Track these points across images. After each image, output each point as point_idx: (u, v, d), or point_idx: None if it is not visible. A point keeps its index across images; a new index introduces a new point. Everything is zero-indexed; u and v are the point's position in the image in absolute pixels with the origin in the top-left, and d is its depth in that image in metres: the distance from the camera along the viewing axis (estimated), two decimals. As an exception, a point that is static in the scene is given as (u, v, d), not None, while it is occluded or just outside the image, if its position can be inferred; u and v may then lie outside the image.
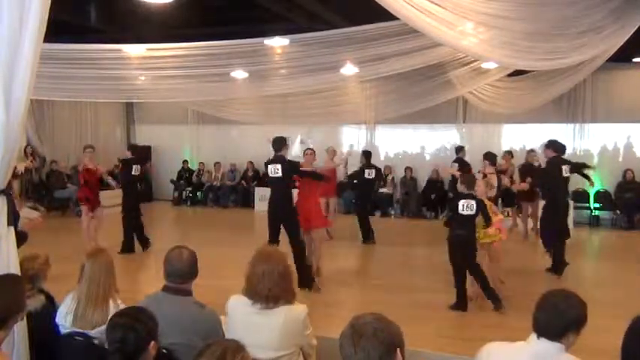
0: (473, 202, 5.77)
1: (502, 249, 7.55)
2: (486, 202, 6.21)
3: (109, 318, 3.07)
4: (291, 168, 6.75)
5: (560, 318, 2.26)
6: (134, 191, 9.10)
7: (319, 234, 7.15)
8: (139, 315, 2.42)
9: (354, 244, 9.70)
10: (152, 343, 2.35)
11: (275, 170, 6.66)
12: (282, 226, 6.71)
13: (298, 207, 6.90)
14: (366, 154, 10.17)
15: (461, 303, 5.93)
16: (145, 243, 8.88)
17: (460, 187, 6.00)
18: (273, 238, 6.70)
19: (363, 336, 1.77)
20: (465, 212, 5.77)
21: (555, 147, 7.62)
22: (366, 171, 9.87)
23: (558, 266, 7.41)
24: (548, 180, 7.77)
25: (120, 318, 2.43)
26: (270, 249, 3.25)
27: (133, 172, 8.87)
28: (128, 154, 9.21)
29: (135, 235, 8.80)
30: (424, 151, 14.25)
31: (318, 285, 6.70)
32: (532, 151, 10.85)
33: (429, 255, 9.61)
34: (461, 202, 5.79)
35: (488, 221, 5.96)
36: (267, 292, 2.83)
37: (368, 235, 9.81)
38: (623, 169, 12.23)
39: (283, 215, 6.67)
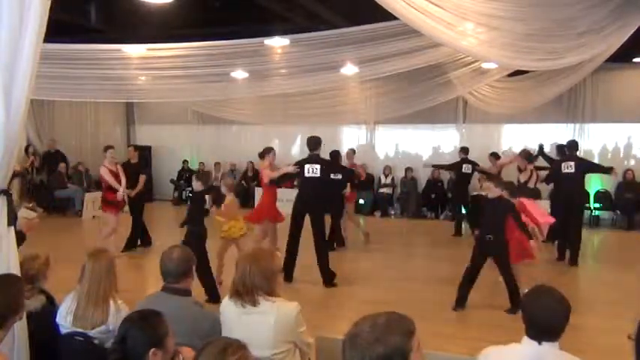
0: None
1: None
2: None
3: (109, 318, 3.10)
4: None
5: (559, 318, 2.25)
6: None
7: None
8: (150, 318, 2.33)
9: (354, 246, 9.68)
10: (153, 350, 2.22)
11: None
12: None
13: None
14: (332, 155, 9.33)
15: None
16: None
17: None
18: None
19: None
20: None
21: None
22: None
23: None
24: None
25: (130, 316, 2.38)
26: (256, 249, 3.17)
27: None
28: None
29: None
30: (424, 151, 14.25)
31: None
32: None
33: (429, 255, 9.62)
34: None
35: None
36: (242, 288, 2.79)
37: (340, 240, 9.35)
38: (623, 170, 12.22)
39: None
